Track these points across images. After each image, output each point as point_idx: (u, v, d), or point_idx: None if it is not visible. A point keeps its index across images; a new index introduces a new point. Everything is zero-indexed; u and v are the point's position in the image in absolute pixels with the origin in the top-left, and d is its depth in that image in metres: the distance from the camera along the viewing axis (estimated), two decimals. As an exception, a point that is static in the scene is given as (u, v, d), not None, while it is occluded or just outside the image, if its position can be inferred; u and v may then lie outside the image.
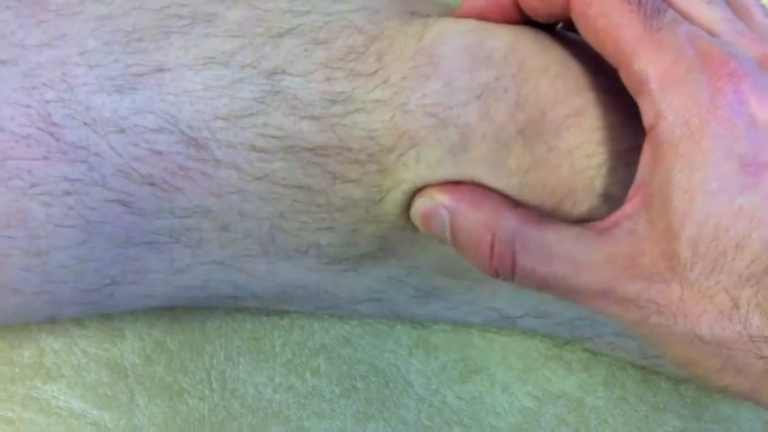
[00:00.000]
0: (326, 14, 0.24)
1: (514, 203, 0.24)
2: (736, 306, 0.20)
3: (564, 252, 0.22)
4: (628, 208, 0.22)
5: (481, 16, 0.25)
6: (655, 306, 0.21)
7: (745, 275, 0.20)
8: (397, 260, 0.27)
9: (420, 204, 0.24)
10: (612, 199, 0.24)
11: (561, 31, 0.26)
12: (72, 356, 0.31)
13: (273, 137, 0.24)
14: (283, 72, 0.24)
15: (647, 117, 0.21)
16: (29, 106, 0.23)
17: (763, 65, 0.22)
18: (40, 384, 0.30)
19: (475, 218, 0.23)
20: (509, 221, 0.23)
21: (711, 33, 0.22)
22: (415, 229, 0.26)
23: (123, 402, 0.30)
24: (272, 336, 0.32)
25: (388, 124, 0.24)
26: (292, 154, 0.24)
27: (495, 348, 0.32)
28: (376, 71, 0.24)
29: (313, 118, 0.24)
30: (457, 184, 0.24)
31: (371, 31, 0.24)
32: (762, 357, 0.21)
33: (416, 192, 0.25)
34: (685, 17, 0.22)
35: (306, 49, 0.24)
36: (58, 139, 0.23)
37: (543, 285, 0.23)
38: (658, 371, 0.31)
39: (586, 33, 0.22)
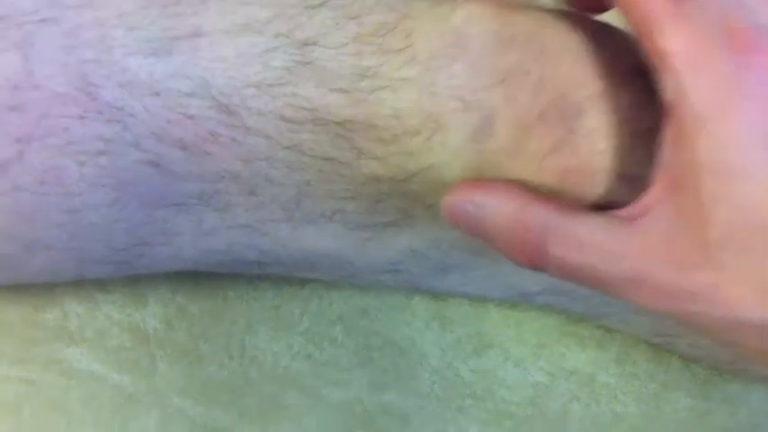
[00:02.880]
0: None
1: (544, 195, 0.23)
2: None
3: (594, 242, 0.22)
4: (654, 192, 0.21)
5: None
6: (689, 294, 0.20)
7: None
8: (419, 232, 0.27)
9: (449, 202, 0.24)
10: (632, 180, 0.24)
11: (585, 14, 0.26)
12: (95, 320, 0.31)
13: (302, 108, 0.24)
14: (315, 43, 0.24)
15: (668, 93, 0.20)
16: (67, 65, 0.23)
17: None
18: (62, 347, 0.31)
19: (505, 212, 0.23)
20: (539, 213, 0.22)
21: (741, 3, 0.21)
22: (438, 205, 0.26)
23: (144, 367, 0.31)
24: (291, 305, 0.32)
25: (415, 105, 0.24)
26: (320, 126, 0.24)
27: (510, 324, 0.33)
28: (404, 48, 0.24)
29: (341, 91, 0.24)
30: (484, 180, 0.24)
31: (402, 10, 0.25)
32: None
33: (444, 185, 0.25)
34: None
35: (338, 23, 0.24)
36: (94, 99, 0.24)
37: (575, 276, 0.22)
38: (671, 349, 0.32)
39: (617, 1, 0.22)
